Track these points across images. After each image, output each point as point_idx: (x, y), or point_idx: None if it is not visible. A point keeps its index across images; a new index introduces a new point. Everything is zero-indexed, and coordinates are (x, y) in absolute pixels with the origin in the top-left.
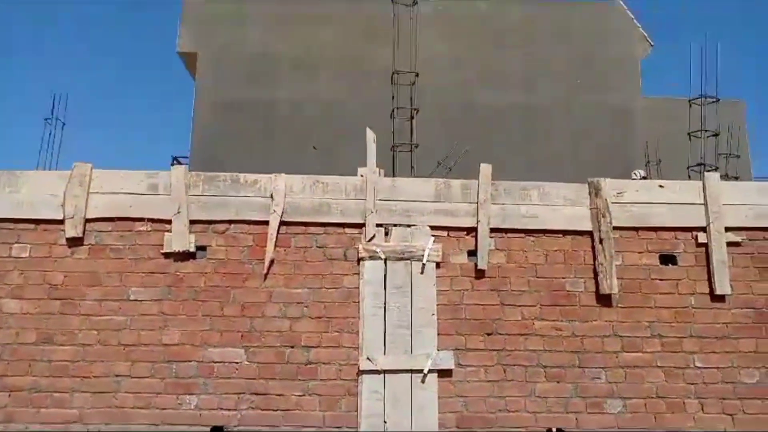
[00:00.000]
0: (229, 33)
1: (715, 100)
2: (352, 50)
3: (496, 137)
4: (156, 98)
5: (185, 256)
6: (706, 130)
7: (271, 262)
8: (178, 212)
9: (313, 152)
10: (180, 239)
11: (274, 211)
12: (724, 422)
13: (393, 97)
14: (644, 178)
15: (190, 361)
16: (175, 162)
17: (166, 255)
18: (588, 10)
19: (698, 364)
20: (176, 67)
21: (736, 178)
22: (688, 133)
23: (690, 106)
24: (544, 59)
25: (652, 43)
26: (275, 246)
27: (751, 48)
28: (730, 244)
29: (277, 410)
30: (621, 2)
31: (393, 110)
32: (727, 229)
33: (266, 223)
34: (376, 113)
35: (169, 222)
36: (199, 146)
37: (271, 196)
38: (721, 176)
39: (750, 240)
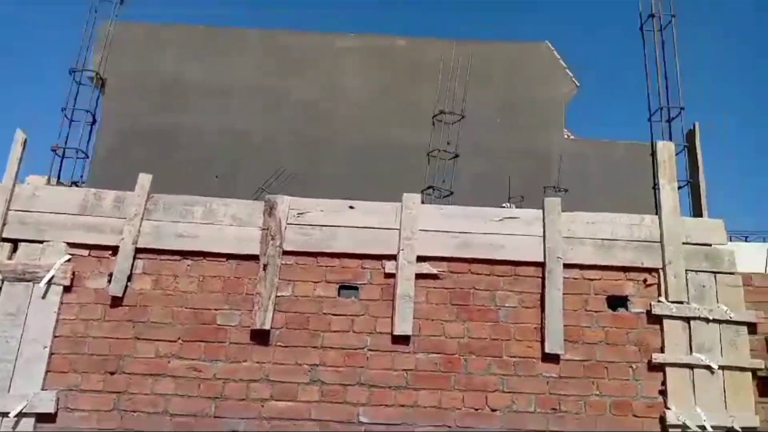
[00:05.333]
0: (141, 60)
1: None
2: (261, 81)
3: (400, 173)
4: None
5: None
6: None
7: None
8: None
9: (214, 179)
10: None
11: None
12: None
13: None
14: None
15: None
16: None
17: None
18: (511, 50)
19: (363, 419)
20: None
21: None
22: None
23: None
24: (461, 98)
25: (578, 84)
26: None
27: None
28: (424, 276)
29: None
30: (547, 42)
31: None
32: (424, 259)
33: None
34: (284, 142)
35: None
36: (99, 170)
37: None
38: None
39: (451, 273)
